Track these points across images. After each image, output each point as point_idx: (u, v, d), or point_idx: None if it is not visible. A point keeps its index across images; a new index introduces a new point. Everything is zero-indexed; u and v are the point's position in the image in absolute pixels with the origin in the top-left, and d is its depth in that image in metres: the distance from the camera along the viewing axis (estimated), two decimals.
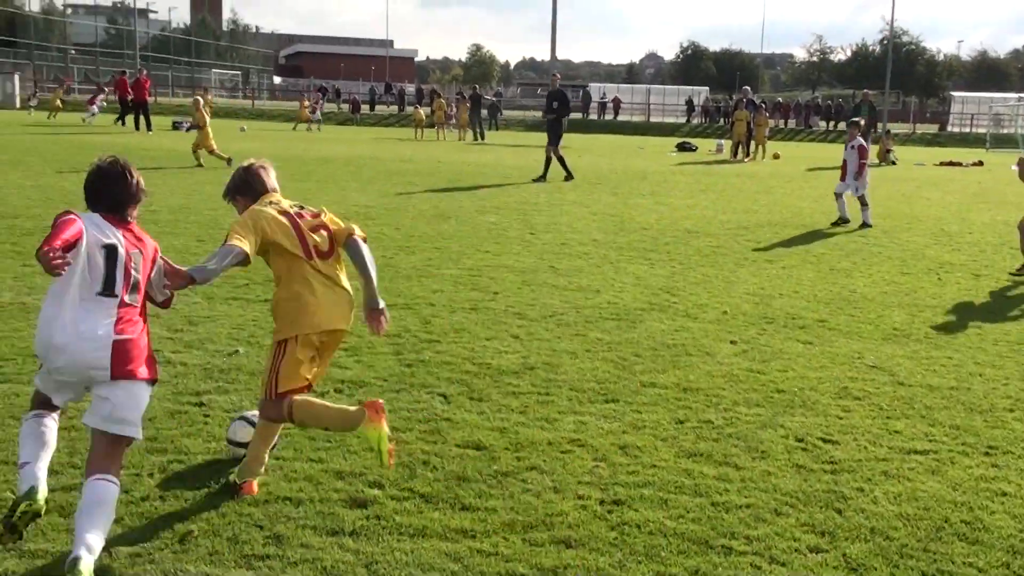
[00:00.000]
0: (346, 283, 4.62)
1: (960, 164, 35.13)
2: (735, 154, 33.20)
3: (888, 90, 64.78)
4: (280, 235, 4.42)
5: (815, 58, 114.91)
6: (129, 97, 36.69)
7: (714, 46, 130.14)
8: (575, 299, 9.04)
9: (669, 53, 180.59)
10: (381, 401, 4.45)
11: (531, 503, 4.53)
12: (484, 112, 46.81)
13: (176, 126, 40.52)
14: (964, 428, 5.81)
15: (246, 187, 4.70)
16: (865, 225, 15.06)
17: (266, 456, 4.68)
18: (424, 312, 8.25)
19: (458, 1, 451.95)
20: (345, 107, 65.72)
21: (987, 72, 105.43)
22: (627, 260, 11.29)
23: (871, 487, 4.85)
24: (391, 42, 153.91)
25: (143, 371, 3.95)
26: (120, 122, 38.21)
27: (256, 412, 4.78)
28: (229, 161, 20.00)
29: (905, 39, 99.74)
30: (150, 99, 38.84)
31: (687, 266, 11.08)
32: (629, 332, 7.82)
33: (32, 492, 3.84)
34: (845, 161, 15.76)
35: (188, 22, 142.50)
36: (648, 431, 5.55)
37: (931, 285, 10.49)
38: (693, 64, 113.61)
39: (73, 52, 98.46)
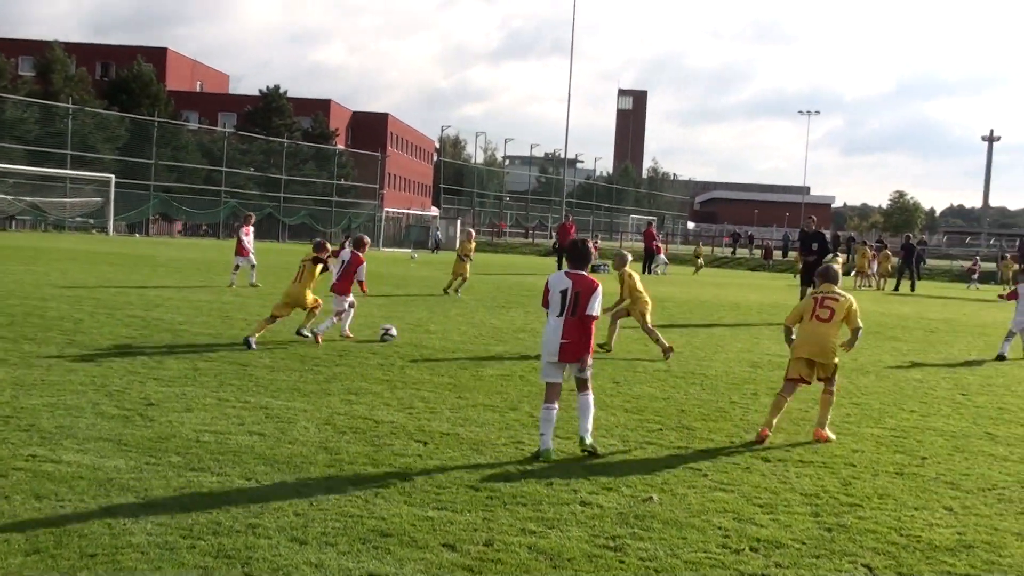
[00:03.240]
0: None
1: None
2: None
3: None
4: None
5: None
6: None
7: None
8: (1020, 472, 8.12)
9: None
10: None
11: None
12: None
13: (596, 269, 42.63)
14: None
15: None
16: None
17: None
18: (843, 473, 7.81)
19: (882, 148, 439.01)
20: (757, 252, 65.95)
21: None
22: None
23: None
24: (808, 188, 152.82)
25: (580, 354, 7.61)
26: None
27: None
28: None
29: None
30: None
31: None
32: None
33: (547, 452, 7.55)
34: None
35: (611, 170, 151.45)
36: None
37: None
38: None
39: (507, 199, 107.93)
